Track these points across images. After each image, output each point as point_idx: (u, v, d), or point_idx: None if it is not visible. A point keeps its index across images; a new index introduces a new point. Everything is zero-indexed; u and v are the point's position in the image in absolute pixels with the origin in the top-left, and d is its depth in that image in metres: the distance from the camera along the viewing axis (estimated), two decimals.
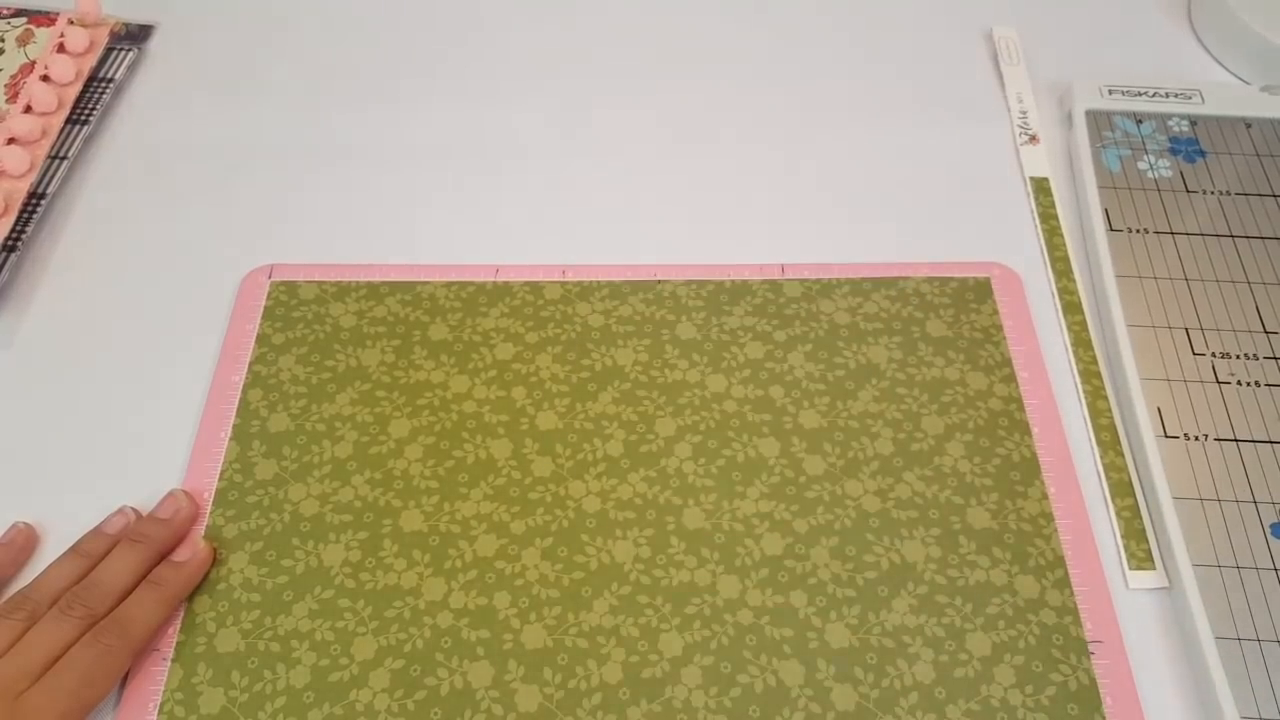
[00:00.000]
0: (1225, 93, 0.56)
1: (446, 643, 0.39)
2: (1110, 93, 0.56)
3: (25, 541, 0.41)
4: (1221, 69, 0.59)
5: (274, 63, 0.59)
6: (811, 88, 0.58)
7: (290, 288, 0.49)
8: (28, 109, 0.53)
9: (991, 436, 0.44)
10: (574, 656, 0.39)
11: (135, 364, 0.47)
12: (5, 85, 0.54)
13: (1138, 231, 0.50)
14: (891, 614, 0.40)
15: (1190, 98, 0.55)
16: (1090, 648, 0.39)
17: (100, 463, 0.44)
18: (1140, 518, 0.42)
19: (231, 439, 0.44)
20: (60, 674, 0.36)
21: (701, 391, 0.46)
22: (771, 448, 0.44)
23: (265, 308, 0.48)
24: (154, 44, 0.60)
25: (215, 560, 0.41)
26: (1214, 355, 0.46)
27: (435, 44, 0.60)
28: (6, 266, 0.48)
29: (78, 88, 0.55)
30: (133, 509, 0.42)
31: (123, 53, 0.58)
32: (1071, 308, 0.49)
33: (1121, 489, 0.43)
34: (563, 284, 0.49)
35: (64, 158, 0.53)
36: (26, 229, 0.50)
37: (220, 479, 0.43)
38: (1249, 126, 0.54)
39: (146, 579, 0.39)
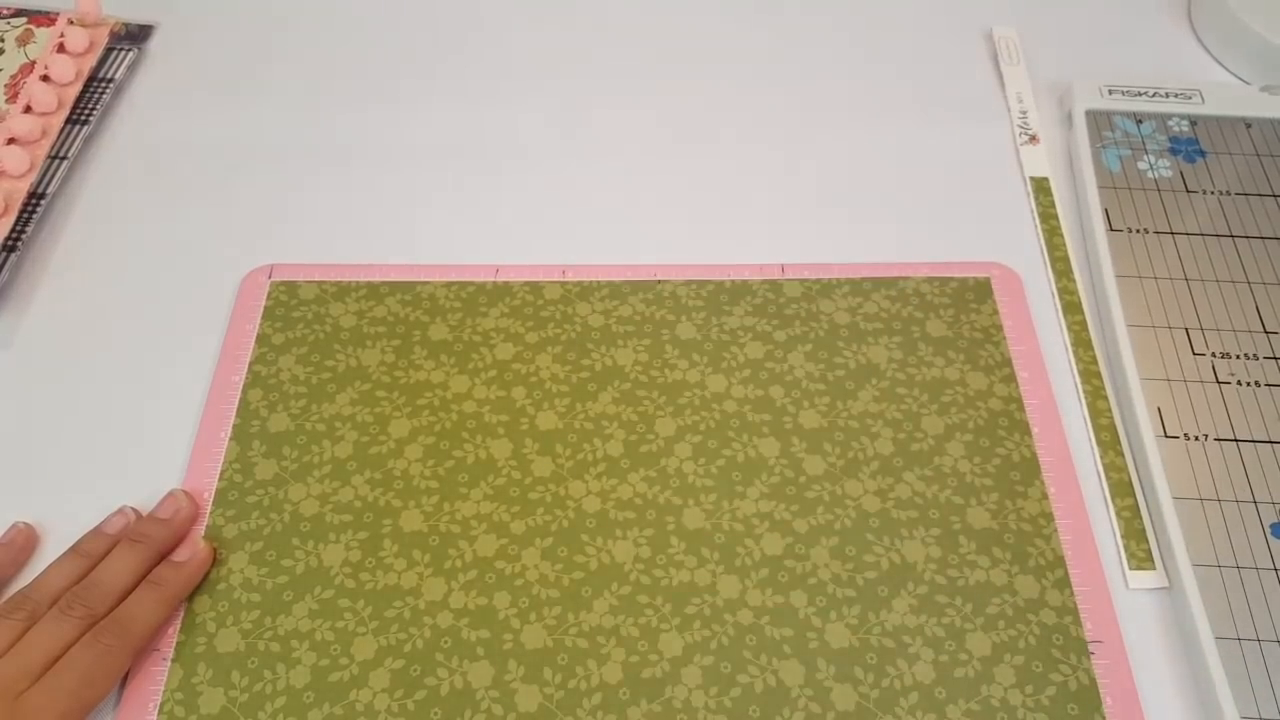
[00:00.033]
0: (1225, 93, 0.56)
1: (446, 643, 0.39)
2: (1110, 93, 0.56)
3: (25, 541, 0.41)
4: (1221, 69, 0.59)
5: (274, 63, 0.59)
6: (811, 88, 0.58)
7: (290, 288, 0.49)
8: (28, 109, 0.53)
9: (991, 436, 0.44)
10: (574, 656, 0.39)
11: (135, 364, 0.47)
12: (5, 85, 0.54)
13: (1138, 231, 0.50)
14: (891, 614, 0.40)
15: (1190, 98, 0.55)
16: (1090, 648, 0.39)
17: (100, 463, 0.44)
18: (1140, 518, 0.42)
19: (231, 439, 0.44)
20: (60, 674, 0.36)
21: (701, 391, 0.46)
22: (771, 448, 0.44)
23: (265, 308, 0.48)
24: (154, 44, 0.60)
25: (215, 560, 0.41)
26: (1214, 355, 0.46)
27: (435, 44, 0.60)
28: (6, 266, 0.48)
29: (78, 88, 0.55)
30: (133, 509, 0.42)
31: (123, 53, 0.58)
32: (1071, 308, 0.49)
33: (1121, 489, 0.43)
34: (563, 284, 0.49)
35: (64, 158, 0.53)
36: (26, 229, 0.50)
37: (220, 479, 0.43)
38: (1249, 126, 0.54)
39: (146, 579, 0.39)
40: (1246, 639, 0.38)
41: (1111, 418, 0.45)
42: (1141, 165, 0.53)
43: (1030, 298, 0.49)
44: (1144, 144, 0.54)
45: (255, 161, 0.54)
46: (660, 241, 0.51)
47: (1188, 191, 0.52)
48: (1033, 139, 0.55)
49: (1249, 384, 0.45)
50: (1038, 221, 0.52)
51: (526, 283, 0.49)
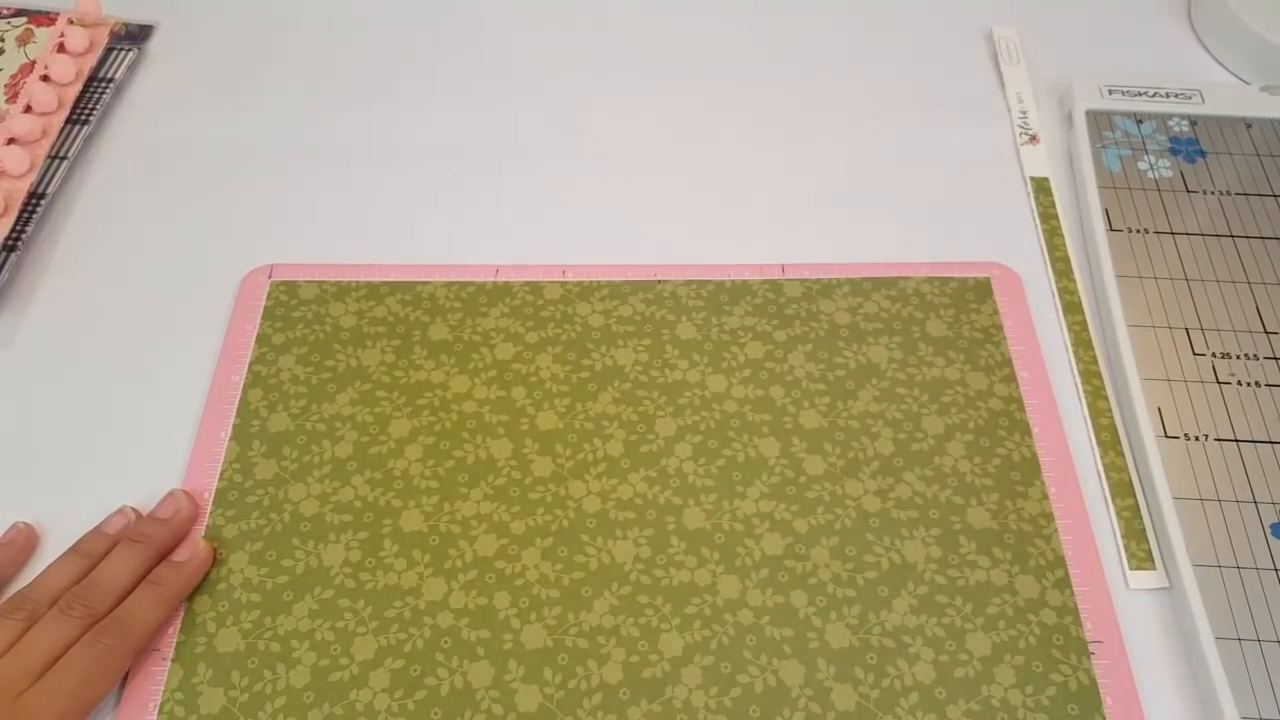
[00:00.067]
0: (1225, 93, 0.56)
1: (446, 643, 0.39)
2: (1110, 93, 0.56)
3: (25, 541, 0.41)
4: (1221, 69, 0.59)
5: (274, 63, 0.59)
6: (811, 88, 0.58)
7: (290, 288, 0.49)
8: (28, 109, 0.53)
9: (992, 436, 0.44)
10: (574, 656, 0.39)
11: (135, 364, 0.47)
12: (5, 85, 0.54)
13: (1138, 231, 0.50)
14: (892, 614, 0.40)
15: (1190, 98, 0.55)
16: (1090, 648, 0.39)
17: (100, 463, 0.44)
18: (1140, 518, 0.42)
19: (231, 439, 0.44)
20: (60, 674, 0.36)
21: (702, 391, 0.46)
22: (772, 448, 0.44)
23: (265, 308, 0.48)
24: (154, 44, 0.60)
25: (215, 560, 0.41)
26: (1214, 355, 0.46)
27: (435, 44, 0.60)
28: (6, 266, 0.48)
29: (78, 88, 0.55)
30: (133, 509, 0.42)
31: (123, 53, 0.58)
32: (1072, 308, 0.49)
33: (1122, 489, 0.43)
34: (563, 284, 0.49)
35: (64, 158, 0.53)
36: (26, 229, 0.50)
37: (220, 479, 0.43)
38: (1249, 126, 0.54)
39: (146, 579, 0.39)
40: (1246, 639, 0.38)
41: (1112, 418, 0.45)
42: (1142, 165, 0.53)
43: (1030, 298, 0.49)
44: (1144, 144, 0.54)
45: (255, 161, 0.54)
46: (660, 241, 0.51)
47: (1188, 191, 0.52)
48: (1033, 139, 0.55)
49: (1249, 384, 0.45)
50: (1038, 221, 0.52)
51: (526, 283, 0.49)
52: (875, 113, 0.57)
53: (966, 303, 0.49)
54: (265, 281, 0.49)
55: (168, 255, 0.51)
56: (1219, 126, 0.54)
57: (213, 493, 0.43)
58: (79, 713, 0.36)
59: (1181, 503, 0.41)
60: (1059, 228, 0.52)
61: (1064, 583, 0.40)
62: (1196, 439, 0.43)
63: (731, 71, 0.59)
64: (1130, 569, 0.41)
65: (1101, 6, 0.62)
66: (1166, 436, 0.43)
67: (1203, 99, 0.55)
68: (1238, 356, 0.46)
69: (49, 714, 0.35)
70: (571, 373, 0.46)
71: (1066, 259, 0.50)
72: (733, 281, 0.49)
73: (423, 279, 0.49)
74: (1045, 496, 0.43)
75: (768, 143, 0.56)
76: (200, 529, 0.42)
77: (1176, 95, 0.56)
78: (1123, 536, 0.42)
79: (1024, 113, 0.56)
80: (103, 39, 0.57)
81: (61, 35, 0.56)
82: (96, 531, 0.41)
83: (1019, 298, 0.49)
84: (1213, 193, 0.52)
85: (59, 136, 0.53)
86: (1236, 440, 0.43)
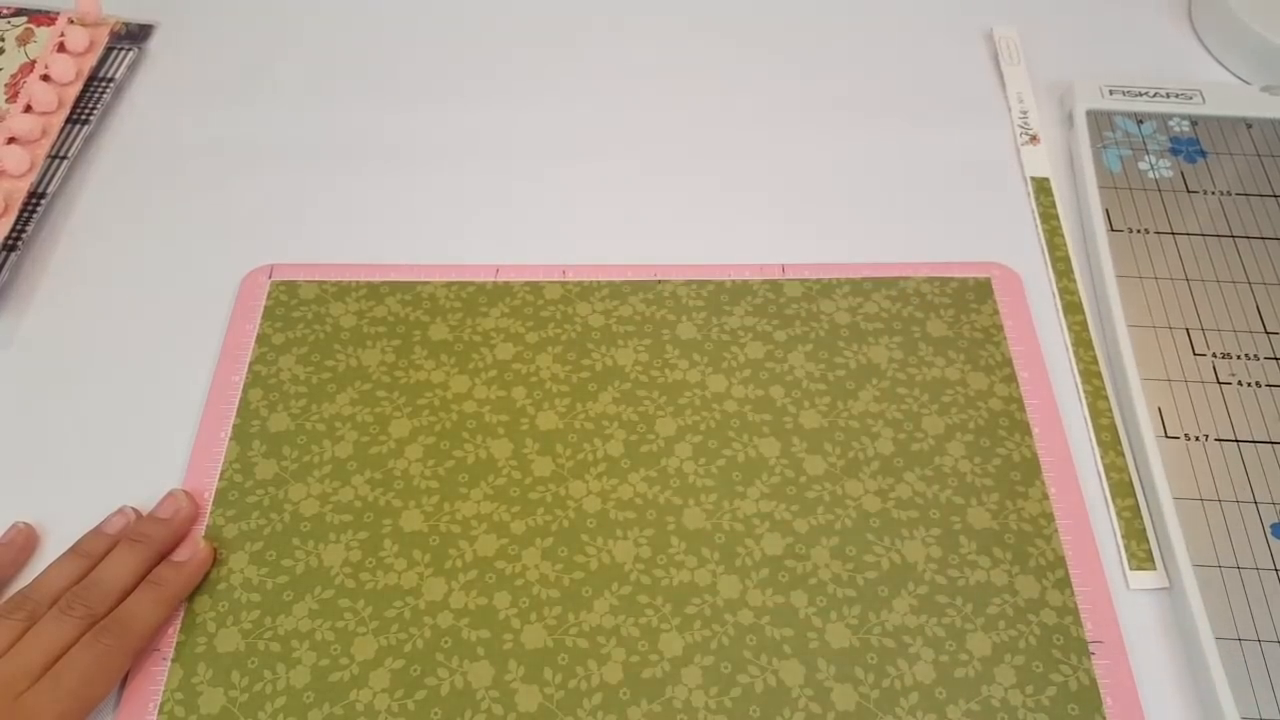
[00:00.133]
0: (1225, 93, 0.56)
1: (447, 643, 0.39)
2: (1111, 93, 0.56)
3: (25, 541, 0.41)
4: (1221, 69, 0.59)
5: (274, 63, 0.59)
6: (812, 87, 0.58)
7: (290, 288, 0.49)
8: (28, 108, 0.53)
9: (992, 437, 0.44)
10: (574, 656, 0.39)
11: (135, 364, 0.47)
12: (5, 85, 0.54)
13: (1138, 231, 0.50)
14: (892, 614, 0.40)
15: (1190, 98, 0.55)
16: (1091, 648, 0.39)
17: (100, 463, 0.44)
18: (1141, 518, 0.42)
19: (231, 439, 0.44)
20: (60, 674, 0.36)
21: (702, 391, 0.46)
22: (772, 448, 0.44)
23: (265, 308, 0.48)
24: (154, 44, 0.60)
25: (215, 560, 0.41)
26: (1214, 355, 0.46)
27: (436, 43, 0.60)
28: (6, 266, 0.48)
29: (78, 87, 0.55)
30: (133, 509, 0.42)
31: (123, 52, 0.58)
32: (1072, 308, 0.49)
33: (1122, 489, 0.43)
34: (563, 284, 0.49)
35: (64, 157, 0.53)
36: (26, 229, 0.50)
37: (220, 479, 0.43)
38: (1249, 126, 0.54)
39: (146, 579, 0.39)
40: (1247, 639, 0.38)
41: (1112, 418, 0.45)
42: (1142, 165, 0.53)
43: (1031, 298, 0.49)
44: (1145, 144, 0.54)
45: (255, 161, 0.54)
46: (660, 241, 0.51)
47: (1188, 192, 0.52)
48: (1033, 139, 0.55)
49: (1249, 384, 0.45)
50: (1038, 222, 0.52)
51: (527, 283, 0.49)
52: (876, 113, 0.57)
53: (967, 303, 0.49)
54: (265, 281, 0.49)
55: (168, 255, 0.51)
56: (1219, 127, 0.54)
57: (213, 493, 0.43)
58: (79, 713, 0.36)
59: (1182, 503, 0.41)
60: (1059, 228, 0.52)
61: (1064, 583, 0.40)
62: (1197, 439, 0.43)
63: (731, 72, 0.59)
64: (1130, 569, 0.41)
65: (1102, 6, 0.62)
66: (1167, 436, 0.43)
67: (1203, 99, 0.55)
68: (1238, 357, 0.46)
69: (49, 714, 0.35)
70: (572, 373, 0.46)
71: (1067, 259, 0.50)
72: (733, 281, 0.49)
73: (423, 279, 0.49)
74: (1045, 496, 0.43)
75: (768, 142, 0.56)
76: (200, 529, 0.42)
77: (1177, 95, 0.56)
78: (1123, 536, 0.42)
79: (1024, 113, 0.56)
80: (103, 39, 0.57)
81: (62, 35, 0.56)
82: (96, 531, 0.41)
83: (1019, 298, 0.49)
84: (1213, 193, 0.52)
85: (59, 136, 0.53)
86: (1237, 440, 0.43)
